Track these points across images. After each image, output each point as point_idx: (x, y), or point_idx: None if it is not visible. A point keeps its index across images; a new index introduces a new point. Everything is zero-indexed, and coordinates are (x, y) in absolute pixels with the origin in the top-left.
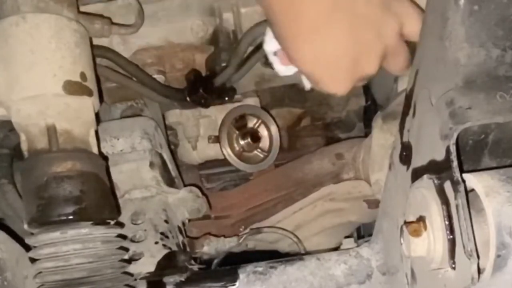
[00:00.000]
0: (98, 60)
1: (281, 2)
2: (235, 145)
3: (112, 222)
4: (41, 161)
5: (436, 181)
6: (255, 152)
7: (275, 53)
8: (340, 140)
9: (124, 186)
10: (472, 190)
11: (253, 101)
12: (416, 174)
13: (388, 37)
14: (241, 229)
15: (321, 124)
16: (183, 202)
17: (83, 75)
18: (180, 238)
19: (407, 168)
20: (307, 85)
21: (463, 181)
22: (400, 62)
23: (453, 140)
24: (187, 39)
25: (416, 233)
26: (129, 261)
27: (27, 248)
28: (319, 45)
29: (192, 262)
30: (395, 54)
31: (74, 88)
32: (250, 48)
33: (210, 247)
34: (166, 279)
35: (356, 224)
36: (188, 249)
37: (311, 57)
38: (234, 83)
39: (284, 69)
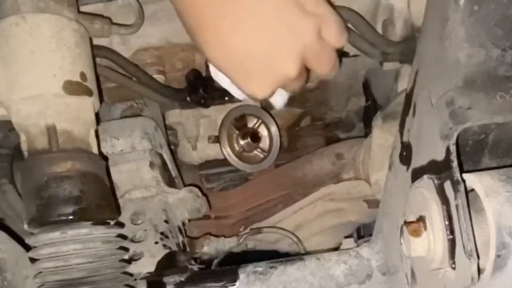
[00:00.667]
0: (98, 60)
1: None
2: (235, 145)
3: (112, 222)
4: (41, 161)
5: (436, 181)
6: (255, 152)
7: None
8: (340, 140)
9: (124, 186)
10: (472, 190)
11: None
12: (416, 174)
13: (305, 35)
14: (241, 229)
15: (321, 124)
16: (183, 202)
17: (83, 75)
18: (180, 238)
19: (407, 168)
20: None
21: (463, 181)
22: (324, 64)
23: (453, 140)
24: (187, 39)
25: (416, 233)
26: (129, 261)
27: (27, 248)
28: (228, 40)
29: (192, 262)
30: (317, 55)
31: (74, 88)
32: None
33: (210, 247)
34: (166, 279)
35: (356, 224)
36: (188, 249)
37: (222, 53)
38: None
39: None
